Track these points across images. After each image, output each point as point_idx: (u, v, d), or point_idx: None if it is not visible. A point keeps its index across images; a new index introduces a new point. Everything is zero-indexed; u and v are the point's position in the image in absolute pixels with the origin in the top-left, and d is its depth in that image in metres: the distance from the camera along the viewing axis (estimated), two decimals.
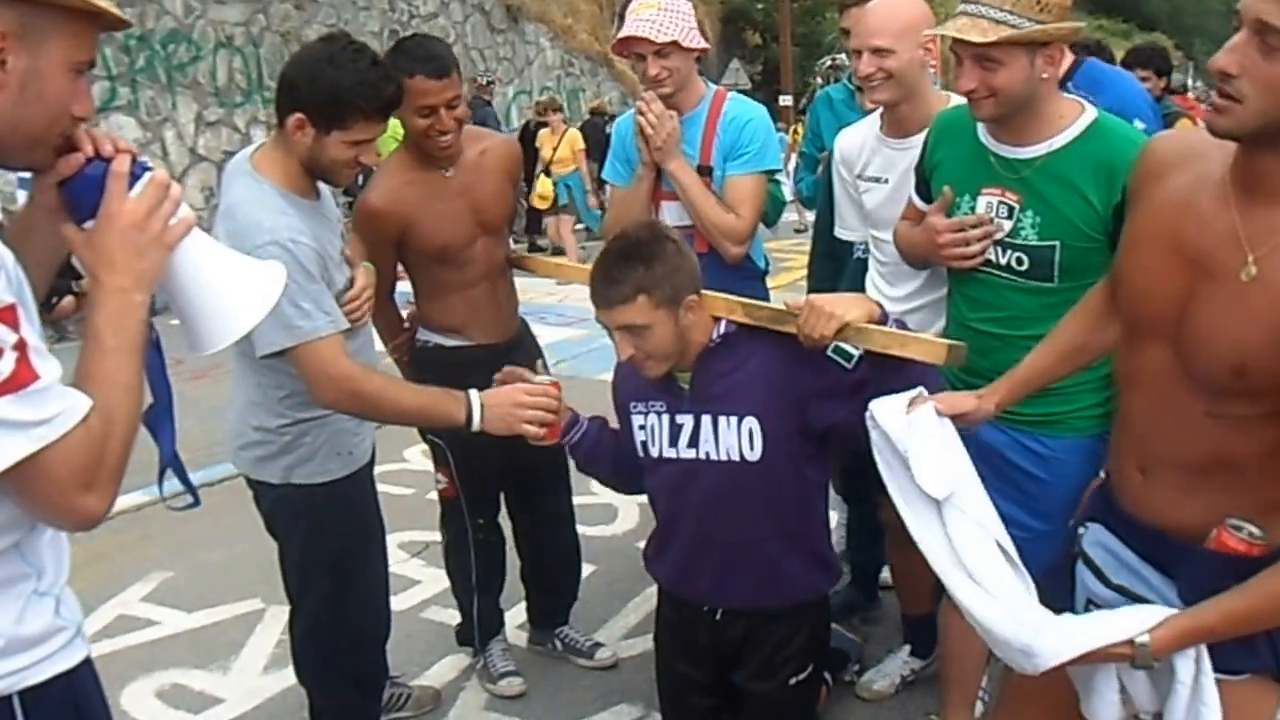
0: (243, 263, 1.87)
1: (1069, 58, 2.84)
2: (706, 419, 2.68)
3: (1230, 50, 1.74)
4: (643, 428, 2.79)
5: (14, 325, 1.41)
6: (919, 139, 3.20)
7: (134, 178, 1.65)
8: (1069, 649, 1.98)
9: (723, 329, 2.69)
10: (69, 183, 1.67)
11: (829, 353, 2.61)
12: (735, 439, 2.65)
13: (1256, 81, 1.72)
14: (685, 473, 2.72)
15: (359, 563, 3.16)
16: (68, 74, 1.59)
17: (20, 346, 1.41)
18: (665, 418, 2.74)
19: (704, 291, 2.67)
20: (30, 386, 1.42)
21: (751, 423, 2.64)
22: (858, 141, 3.52)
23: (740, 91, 4.84)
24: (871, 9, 3.30)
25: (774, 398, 2.64)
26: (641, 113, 3.55)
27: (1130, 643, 1.95)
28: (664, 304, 2.56)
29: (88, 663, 1.71)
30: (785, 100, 22.18)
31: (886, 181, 3.38)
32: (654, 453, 2.77)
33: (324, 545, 3.07)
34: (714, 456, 2.67)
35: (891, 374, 2.49)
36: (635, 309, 2.56)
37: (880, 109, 3.45)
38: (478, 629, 4.01)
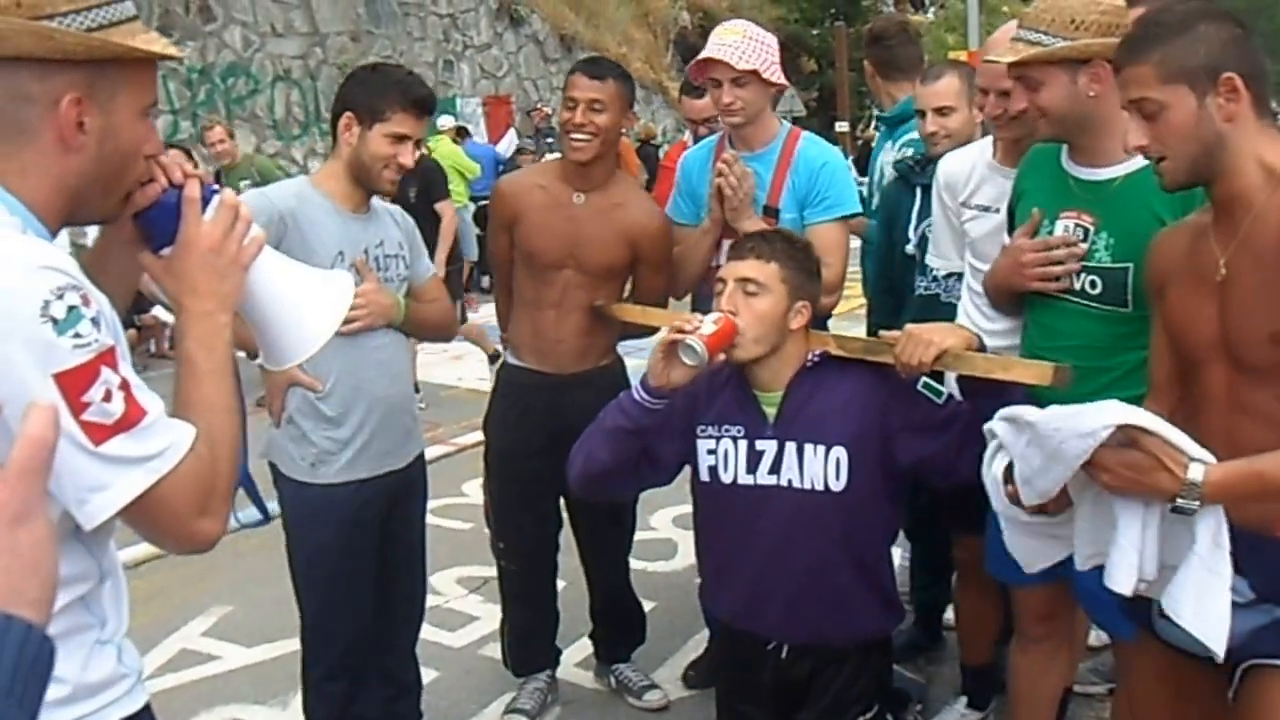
0: (313, 275, 1.90)
1: None
2: (791, 446, 2.65)
3: (1132, 133, 2.18)
4: (712, 452, 2.74)
5: (115, 367, 1.45)
6: None
7: (204, 201, 1.67)
8: (1128, 416, 2.06)
9: (816, 355, 2.70)
10: (144, 213, 1.68)
11: (919, 387, 2.62)
12: (821, 468, 2.63)
13: (1166, 138, 2.14)
14: (760, 500, 2.69)
15: (325, 582, 3.22)
16: (139, 120, 1.61)
17: (124, 386, 1.46)
18: (743, 443, 2.70)
19: None
20: (141, 423, 1.47)
21: (840, 452, 2.62)
22: (966, 167, 3.40)
23: (794, 119, 4.82)
24: (997, 42, 3.15)
25: (863, 429, 2.63)
26: (722, 174, 3.47)
27: (1180, 478, 2.00)
28: (789, 282, 2.65)
29: (147, 709, 1.71)
30: (841, 126, 22.14)
31: (997, 211, 3.24)
32: (725, 479, 2.72)
33: (295, 544, 3.24)
34: (796, 484, 2.65)
35: (988, 404, 2.49)
36: (766, 269, 2.65)
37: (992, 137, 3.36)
38: (509, 659, 4.01)
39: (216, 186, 1.72)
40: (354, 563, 3.23)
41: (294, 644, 3.42)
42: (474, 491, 6.05)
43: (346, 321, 2.95)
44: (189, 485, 1.52)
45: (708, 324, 2.56)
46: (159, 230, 1.68)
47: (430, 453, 3.52)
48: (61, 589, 1.51)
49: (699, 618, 4.11)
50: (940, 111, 3.78)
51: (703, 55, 3.51)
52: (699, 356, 2.52)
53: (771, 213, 3.54)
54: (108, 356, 1.44)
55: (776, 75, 3.51)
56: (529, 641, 4.00)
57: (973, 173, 3.36)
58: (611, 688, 4.12)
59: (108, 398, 1.43)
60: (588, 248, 3.65)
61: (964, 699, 3.75)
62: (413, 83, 3.16)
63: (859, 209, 3.69)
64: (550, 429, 3.60)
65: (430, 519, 3.57)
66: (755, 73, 3.44)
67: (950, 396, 2.67)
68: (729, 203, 3.47)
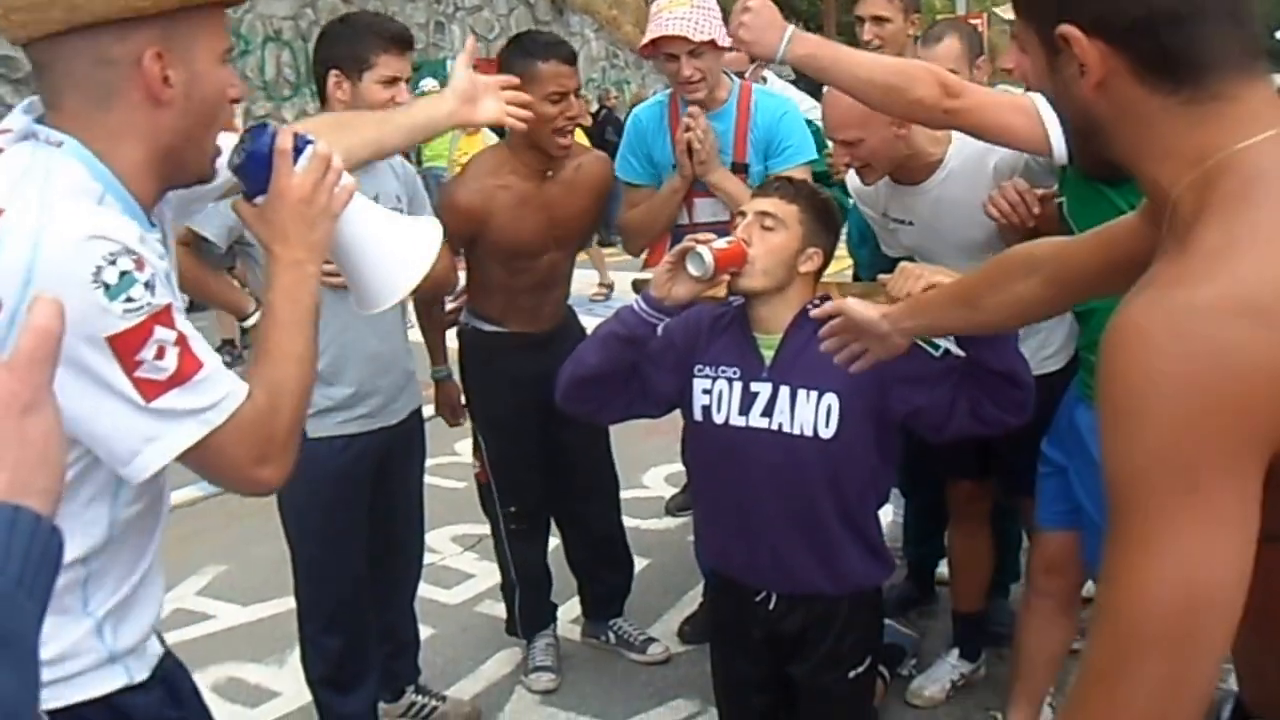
0: (403, 221, 1.97)
1: None
2: (785, 390, 2.66)
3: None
4: (707, 392, 2.75)
5: (171, 324, 1.50)
6: (934, 181, 3.16)
7: (297, 152, 1.72)
8: None
9: (817, 300, 2.71)
10: (239, 163, 1.74)
11: (916, 340, 2.63)
12: (812, 414, 2.64)
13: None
14: (750, 443, 2.69)
15: (318, 535, 3.23)
16: (219, 65, 1.65)
17: (180, 340, 1.51)
18: (738, 385, 2.71)
19: None
20: (196, 376, 1.52)
21: (831, 399, 2.63)
22: (870, 187, 3.35)
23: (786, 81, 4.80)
24: (832, 97, 3.09)
25: (857, 378, 2.61)
26: (690, 129, 3.48)
27: None
28: (805, 225, 2.69)
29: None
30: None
31: (912, 224, 3.29)
32: (717, 419, 2.73)
33: (287, 497, 3.19)
34: (786, 429, 2.66)
35: (984, 355, 2.53)
36: (786, 207, 2.68)
37: None
38: (519, 622, 4.01)
39: (310, 138, 1.76)
40: (346, 516, 3.25)
41: (290, 603, 3.47)
42: (467, 450, 6.01)
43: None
44: (246, 434, 1.57)
45: (720, 241, 2.60)
46: (253, 179, 1.74)
47: (423, 412, 3.52)
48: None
49: (693, 574, 4.15)
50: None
51: (658, 33, 3.43)
52: (705, 266, 2.54)
53: (741, 169, 3.56)
54: (162, 316, 1.49)
55: (727, 39, 3.49)
56: (538, 600, 4.03)
57: (878, 191, 3.34)
58: (609, 644, 4.14)
59: (160, 355, 1.48)
60: (567, 224, 3.66)
61: (955, 650, 3.78)
62: (385, 22, 3.18)
63: (817, 155, 3.70)
64: (540, 381, 3.58)
65: (424, 478, 3.58)
66: (712, 42, 3.42)
67: (947, 352, 2.68)
68: (697, 156, 3.48)
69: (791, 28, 2.58)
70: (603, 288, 10.75)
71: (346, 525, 3.26)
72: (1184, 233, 1.15)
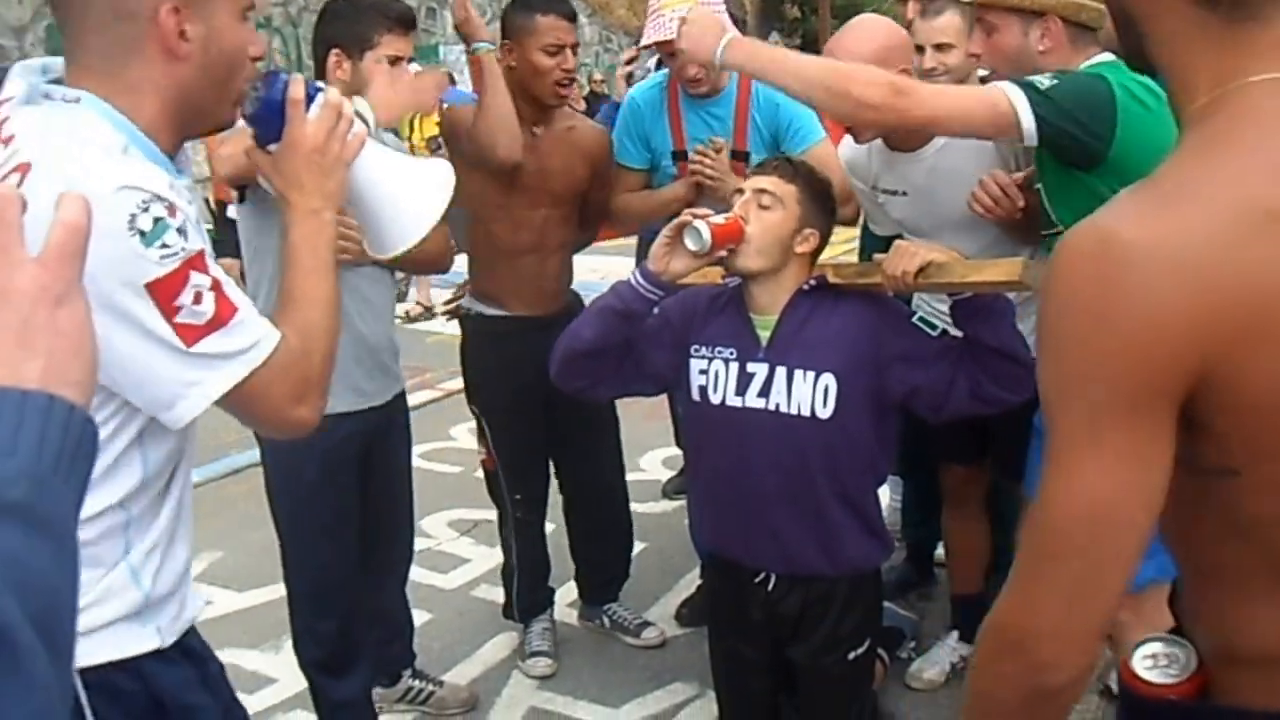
0: (415, 165, 2.01)
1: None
2: (781, 370, 2.65)
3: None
4: (704, 373, 2.74)
5: (205, 269, 1.53)
6: (931, 148, 3.13)
7: (309, 99, 1.73)
8: None
9: (813, 280, 2.71)
10: (252, 112, 1.75)
11: (913, 320, 2.63)
12: (809, 394, 2.62)
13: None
14: (748, 423, 2.68)
15: (308, 517, 3.20)
16: (239, 22, 1.66)
17: (215, 286, 1.54)
18: (734, 365, 2.70)
19: None
20: (232, 320, 1.55)
21: (828, 379, 2.61)
22: (863, 154, 3.34)
23: None
24: (837, 43, 3.08)
25: (855, 358, 2.63)
26: (698, 170, 3.47)
27: None
28: (803, 205, 2.67)
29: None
30: None
31: (905, 194, 3.25)
32: (714, 399, 2.72)
33: (276, 479, 3.20)
34: (784, 409, 2.64)
35: (982, 332, 2.53)
36: (785, 187, 2.67)
37: None
38: (517, 607, 4.00)
39: (321, 85, 1.78)
40: (335, 499, 3.21)
41: (285, 589, 3.47)
42: (462, 435, 6.04)
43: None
44: (283, 375, 1.61)
45: (718, 217, 2.60)
46: (265, 127, 1.76)
47: (418, 398, 3.52)
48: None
49: (690, 557, 4.13)
50: (939, 48, 3.71)
51: (663, 37, 3.40)
52: (702, 241, 2.54)
53: (741, 156, 3.52)
54: (196, 261, 1.51)
55: (732, 28, 3.45)
56: (537, 585, 4.02)
57: (870, 158, 3.31)
58: (605, 628, 4.14)
59: (198, 300, 1.51)
60: (555, 178, 3.63)
61: (955, 633, 3.76)
62: (389, 1, 3.12)
63: (824, 134, 3.67)
64: (544, 366, 3.56)
65: (420, 463, 3.57)
66: None
67: (944, 331, 2.67)
68: (711, 185, 3.46)
69: (731, 34, 2.60)
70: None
71: (336, 509, 3.22)
72: (1167, 159, 1.17)
